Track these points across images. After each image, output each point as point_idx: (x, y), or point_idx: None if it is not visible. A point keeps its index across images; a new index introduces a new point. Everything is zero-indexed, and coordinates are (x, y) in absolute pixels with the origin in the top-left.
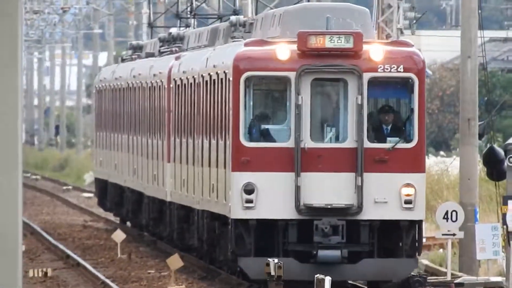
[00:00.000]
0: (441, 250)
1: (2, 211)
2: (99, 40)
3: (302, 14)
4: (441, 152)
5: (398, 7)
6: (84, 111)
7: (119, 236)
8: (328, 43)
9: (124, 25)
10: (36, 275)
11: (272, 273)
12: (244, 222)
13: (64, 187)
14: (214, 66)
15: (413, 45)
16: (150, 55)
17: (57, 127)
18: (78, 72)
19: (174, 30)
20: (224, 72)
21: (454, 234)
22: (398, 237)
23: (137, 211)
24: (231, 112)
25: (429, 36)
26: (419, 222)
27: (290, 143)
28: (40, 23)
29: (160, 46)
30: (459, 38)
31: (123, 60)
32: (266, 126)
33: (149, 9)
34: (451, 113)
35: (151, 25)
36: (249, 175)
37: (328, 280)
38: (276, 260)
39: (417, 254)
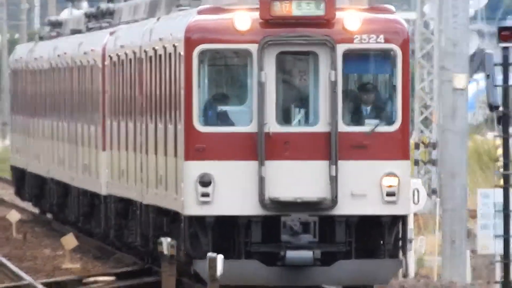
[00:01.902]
0: None
1: None
2: None
3: None
4: None
5: None
6: None
7: (14, 216)
8: (295, 10)
9: (15, 9)
10: None
11: (165, 252)
12: (200, 219)
13: None
14: (160, 39)
15: (394, 12)
16: (76, 31)
17: None
18: None
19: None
20: (174, 45)
21: None
22: (379, 235)
23: (63, 204)
24: (182, 92)
25: None
26: (404, 218)
27: (252, 127)
28: None
29: (87, 22)
30: None
31: (41, 38)
32: (224, 108)
33: None
34: None
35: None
36: (205, 164)
37: (220, 258)
38: (169, 239)
39: (401, 254)
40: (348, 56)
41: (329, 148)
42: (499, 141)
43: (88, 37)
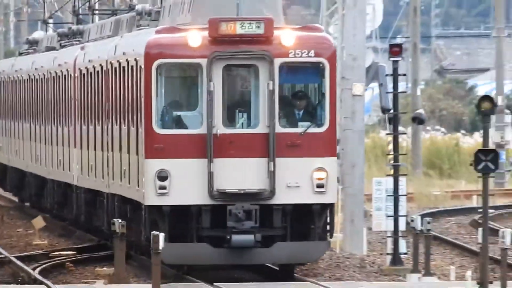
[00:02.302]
0: None
1: None
2: None
3: (212, 0)
4: None
5: None
6: None
7: None
8: (239, 29)
9: None
10: None
11: (117, 230)
12: (158, 208)
13: None
14: (123, 54)
15: (323, 30)
16: (50, 48)
17: None
18: None
19: (73, 26)
20: (135, 59)
21: None
22: (310, 220)
23: (40, 194)
24: (143, 99)
25: None
26: (331, 206)
27: (202, 130)
28: None
29: (59, 40)
30: None
31: (20, 54)
32: (178, 113)
33: (44, 7)
34: None
35: (45, 22)
36: (162, 162)
37: (162, 236)
38: (120, 220)
39: (328, 236)
40: (284, 68)
41: (267, 147)
42: (390, 138)
43: (61, 52)
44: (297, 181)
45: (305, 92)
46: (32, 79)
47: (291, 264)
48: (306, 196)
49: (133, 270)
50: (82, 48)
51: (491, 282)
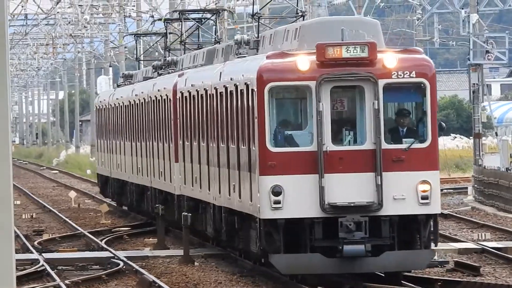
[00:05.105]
0: None
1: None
2: (59, 85)
3: (318, 27)
4: None
5: None
6: (51, 124)
7: (73, 194)
8: (344, 53)
9: (71, 76)
10: (26, 217)
11: (160, 213)
12: (273, 221)
13: (41, 168)
14: (231, 79)
15: (423, 52)
16: (147, 78)
17: (36, 134)
18: (47, 103)
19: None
20: (245, 83)
21: None
22: (416, 230)
23: (140, 200)
24: (256, 120)
25: None
26: (435, 216)
27: (313, 147)
28: (24, 76)
29: (154, 71)
30: None
31: (118, 86)
32: (290, 132)
33: (136, 47)
34: None
35: (138, 59)
36: (276, 178)
37: (189, 216)
38: (161, 206)
39: (433, 245)
40: (387, 88)
41: (374, 162)
42: None
43: (159, 80)
44: (403, 193)
45: (408, 110)
46: (132, 104)
47: (399, 272)
48: (411, 208)
49: (171, 240)
50: (180, 75)
51: None
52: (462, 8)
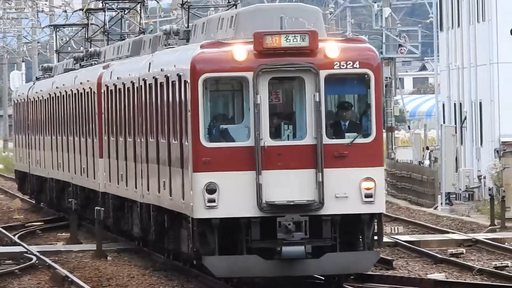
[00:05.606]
0: None
1: None
2: None
3: (256, 15)
4: None
5: None
6: None
7: None
8: (284, 42)
9: None
10: None
11: (73, 208)
12: (207, 221)
13: None
14: (161, 70)
15: (367, 41)
16: (69, 70)
17: None
18: None
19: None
20: (178, 74)
21: None
22: (359, 230)
23: (60, 198)
24: (189, 113)
25: None
26: (379, 215)
27: (250, 142)
28: None
29: (75, 63)
30: None
31: (37, 79)
32: (225, 126)
33: (55, 39)
34: None
35: (57, 51)
36: (210, 175)
37: (102, 210)
38: (75, 200)
39: (378, 246)
40: (329, 79)
41: (315, 158)
42: None
43: (81, 72)
44: (346, 191)
45: (351, 103)
46: (52, 98)
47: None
48: (354, 206)
49: (84, 235)
50: (105, 67)
51: None
52: (375, 2)
